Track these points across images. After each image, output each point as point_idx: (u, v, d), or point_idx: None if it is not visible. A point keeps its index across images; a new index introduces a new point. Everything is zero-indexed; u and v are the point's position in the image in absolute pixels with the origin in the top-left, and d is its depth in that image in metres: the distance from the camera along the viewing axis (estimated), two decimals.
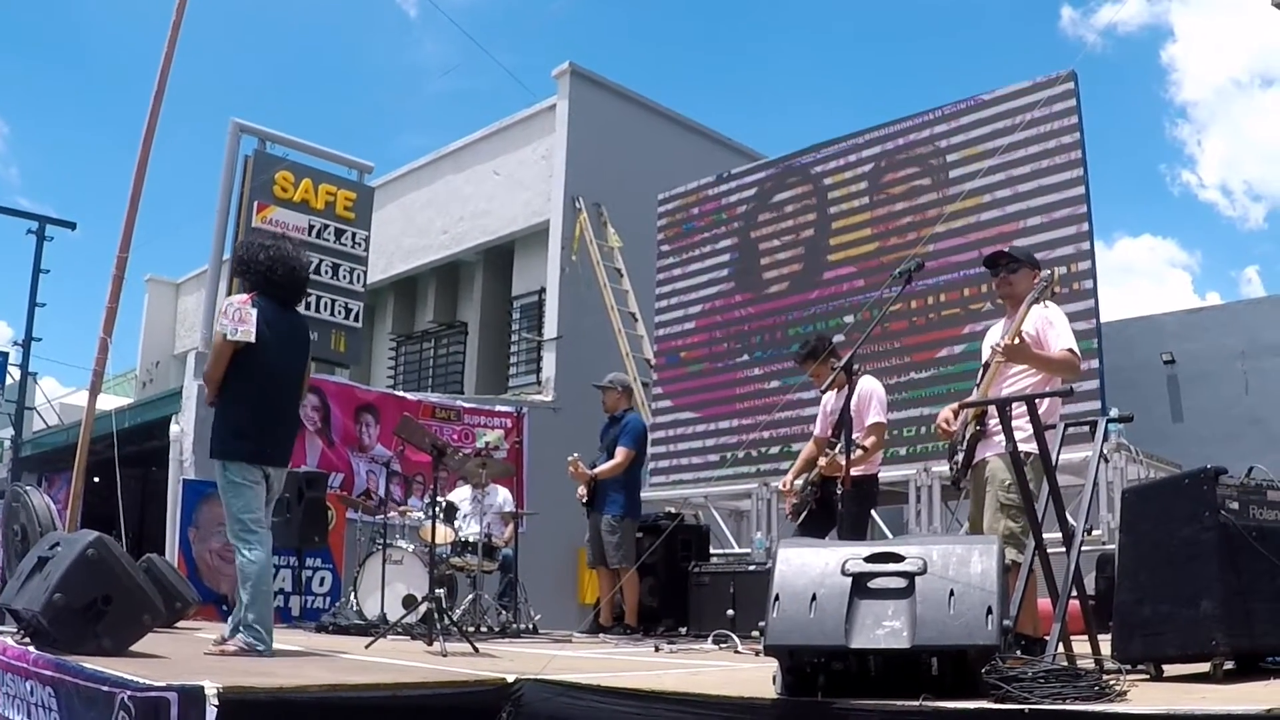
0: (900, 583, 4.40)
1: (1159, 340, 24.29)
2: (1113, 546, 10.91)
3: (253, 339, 7.62)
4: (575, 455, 12.79)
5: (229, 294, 17.92)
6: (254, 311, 7.70)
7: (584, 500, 12.79)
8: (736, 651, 9.38)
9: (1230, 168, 75.70)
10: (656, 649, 9.62)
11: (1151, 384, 23.41)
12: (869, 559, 4.50)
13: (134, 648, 6.32)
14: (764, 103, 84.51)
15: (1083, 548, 5.98)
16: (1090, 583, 11.26)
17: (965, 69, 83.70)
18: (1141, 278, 71.30)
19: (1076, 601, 5.81)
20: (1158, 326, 24.95)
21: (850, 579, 4.44)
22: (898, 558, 4.47)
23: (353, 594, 12.37)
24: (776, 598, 4.49)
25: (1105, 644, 5.64)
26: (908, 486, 14.10)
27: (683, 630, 12.45)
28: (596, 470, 12.55)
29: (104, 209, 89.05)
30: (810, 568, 4.55)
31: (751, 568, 12.70)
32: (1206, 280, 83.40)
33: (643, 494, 14.19)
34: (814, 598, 4.42)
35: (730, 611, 11.96)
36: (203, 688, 4.36)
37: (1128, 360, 21.37)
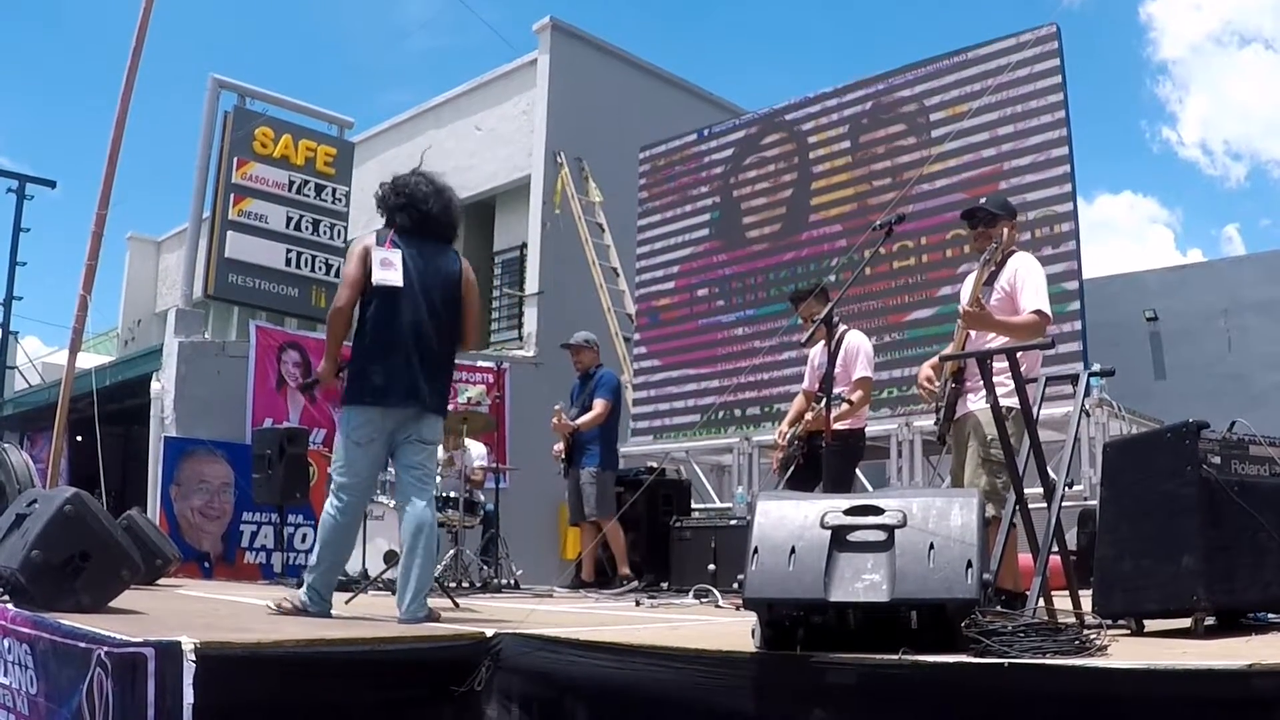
0: (880, 535, 4.37)
1: (1142, 297, 24.42)
2: (1094, 502, 10.91)
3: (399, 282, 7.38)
4: (560, 405, 12.77)
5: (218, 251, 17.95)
6: (398, 253, 7.47)
7: (561, 458, 12.75)
8: (717, 606, 9.40)
9: (1210, 126, 75.91)
10: (637, 603, 9.65)
11: (1134, 341, 23.56)
12: (848, 512, 4.46)
13: (113, 604, 6.29)
14: (745, 58, 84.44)
15: (1064, 503, 5.98)
16: (1071, 538, 11.28)
17: (947, 23, 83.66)
18: (1122, 235, 71.54)
19: (1057, 557, 5.80)
20: (1140, 284, 25.10)
21: (829, 532, 4.40)
22: (877, 510, 4.44)
23: None
24: (755, 551, 4.47)
25: (1086, 599, 5.63)
26: (889, 441, 14.15)
27: (664, 585, 12.44)
28: (577, 421, 12.51)
29: (84, 167, 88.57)
30: (789, 521, 4.52)
31: (733, 522, 12.70)
32: (1188, 238, 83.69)
33: (624, 449, 14.24)
34: (793, 551, 4.39)
35: (711, 566, 11.96)
36: (179, 643, 4.33)
37: (1110, 317, 21.45)
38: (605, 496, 12.35)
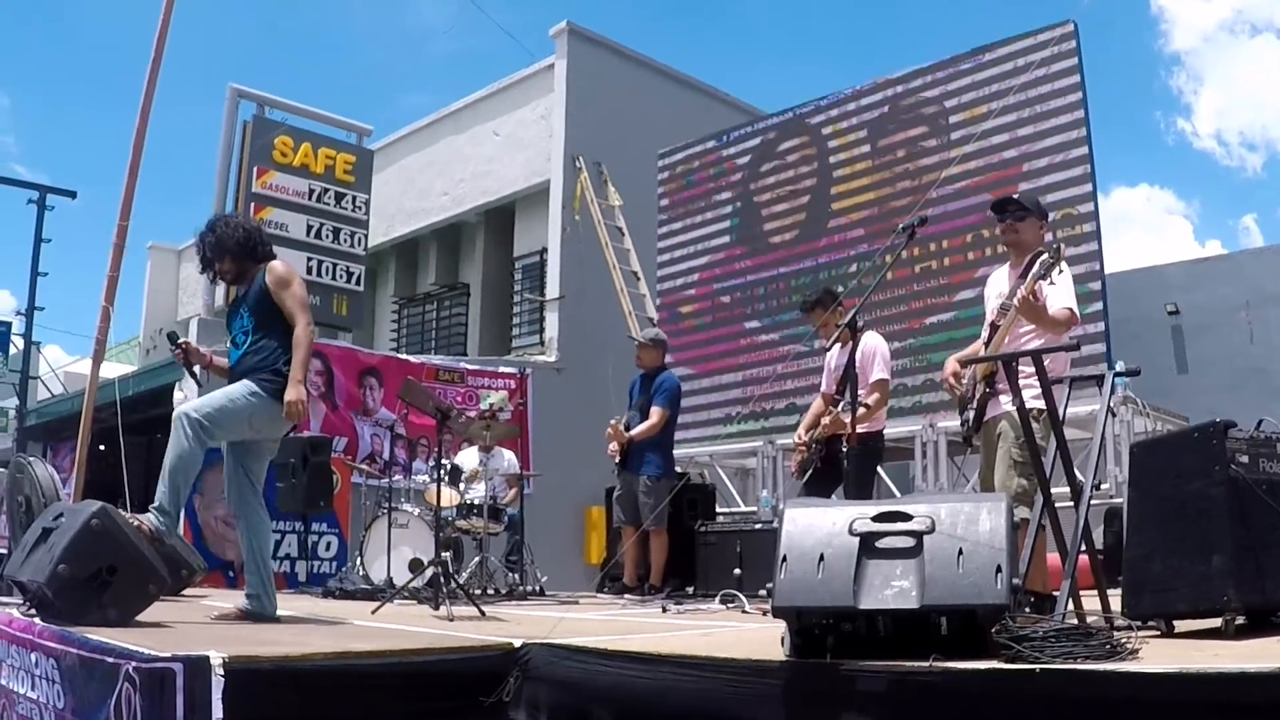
0: (908, 542, 4.35)
1: (1163, 291, 24.30)
2: (1120, 501, 10.89)
3: None
4: (615, 419, 12.67)
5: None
6: None
7: (616, 459, 12.69)
8: (744, 611, 9.35)
9: (1224, 116, 75.76)
10: (664, 609, 9.59)
11: (1155, 335, 23.45)
12: (876, 518, 4.45)
13: (140, 616, 6.29)
14: (761, 59, 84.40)
15: (1091, 502, 5.94)
16: (1098, 537, 11.26)
17: (964, 22, 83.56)
18: (1139, 227, 71.44)
19: (1084, 556, 5.78)
20: (1161, 277, 24.97)
21: (858, 539, 4.39)
22: (906, 516, 4.42)
23: (359, 558, 12.35)
24: (784, 559, 4.45)
25: (1114, 599, 5.60)
26: (913, 442, 14.12)
27: (689, 590, 12.41)
28: (633, 432, 12.46)
29: (102, 176, 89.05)
30: (817, 528, 4.50)
31: (758, 526, 12.71)
32: (1206, 229, 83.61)
33: None
34: (821, 558, 4.38)
35: (737, 571, 11.94)
36: (208, 658, 4.33)
37: (1132, 311, 21.34)
38: (661, 505, 12.28)
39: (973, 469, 13.80)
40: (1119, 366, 7.27)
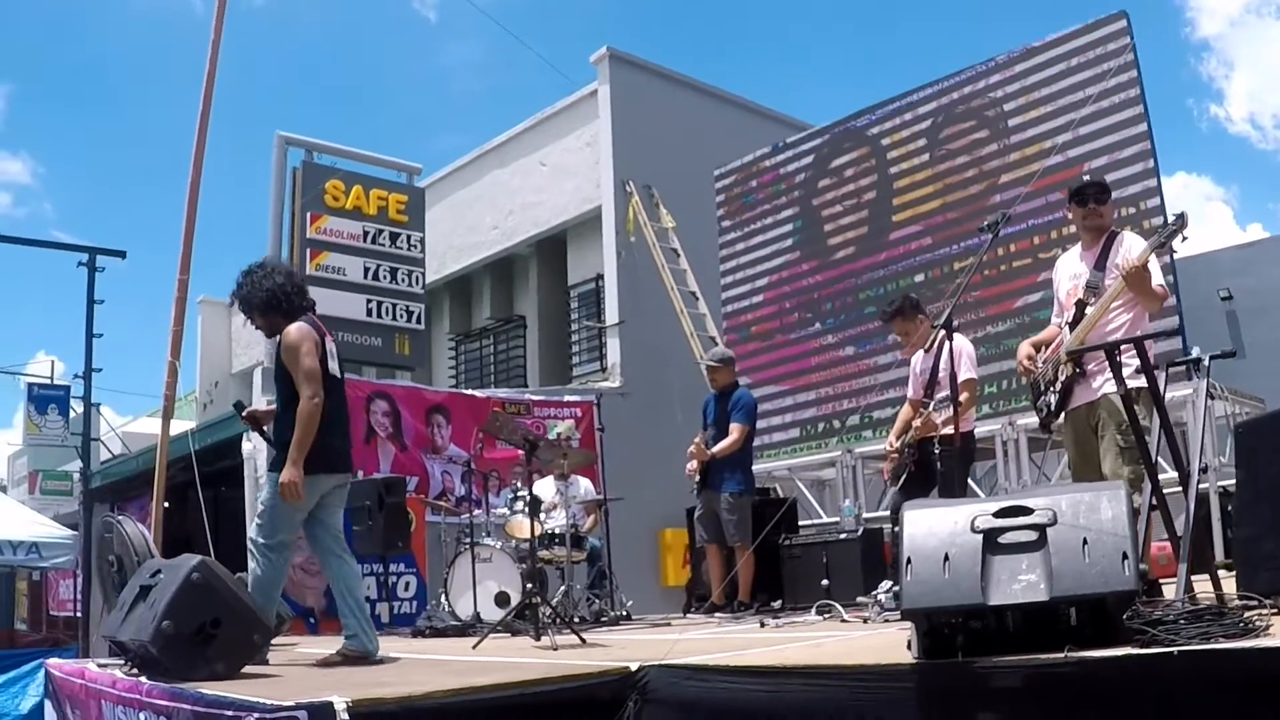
0: (1031, 535, 4.31)
1: (1215, 277, 24.32)
2: (1205, 485, 10.84)
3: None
4: (698, 438, 12.67)
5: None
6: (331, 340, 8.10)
7: (695, 479, 12.66)
8: (843, 620, 9.28)
9: (1257, 99, 75.52)
10: (762, 624, 9.52)
11: (1211, 321, 23.32)
12: (997, 514, 4.40)
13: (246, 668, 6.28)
14: (808, 72, 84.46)
15: (1199, 485, 5.88)
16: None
17: (1012, 18, 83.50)
18: None
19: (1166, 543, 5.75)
20: (1213, 263, 24.97)
21: (981, 536, 4.35)
22: (1026, 510, 4.37)
23: (443, 595, 12.33)
24: (909, 561, 4.41)
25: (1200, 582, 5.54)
26: (994, 442, 14.04)
27: (777, 604, 12.36)
28: (714, 449, 12.44)
29: (138, 236, 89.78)
30: (938, 528, 4.46)
31: (842, 536, 12.65)
32: (1246, 213, 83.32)
33: None
34: (946, 558, 4.33)
35: (825, 581, 11.87)
36: (331, 703, 4.31)
37: (1188, 298, 21.17)
38: (744, 522, 12.23)
39: (1052, 466, 13.75)
40: (1195, 351, 7.16)
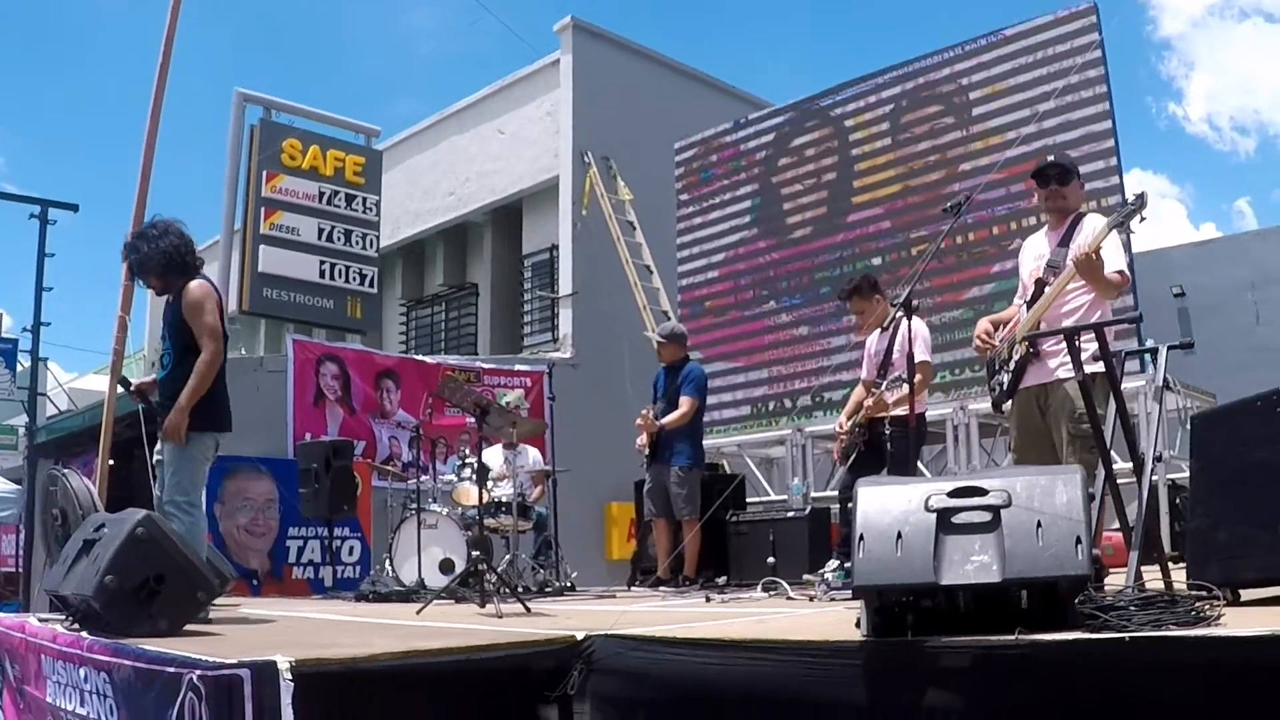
0: (985, 516, 4.31)
1: (1168, 273, 24.52)
2: (1155, 476, 10.89)
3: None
4: (646, 410, 12.69)
5: (251, 265, 18.00)
6: None
7: (644, 451, 12.66)
8: (789, 598, 9.27)
9: (1215, 100, 76.22)
10: (708, 599, 9.54)
11: (1162, 317, 23.46)
12: (952, 494, 4.40)
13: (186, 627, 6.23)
14: (774, 53, 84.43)
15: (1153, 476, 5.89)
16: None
17: (982, 5, 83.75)
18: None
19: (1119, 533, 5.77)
20: (1166, 260, 25.19)
21: (935, 515, 4.34)
22: (981, 491, 4.37)
23: (388, 560, 12.28)
24: (861, 538, 4.39)
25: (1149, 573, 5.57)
26: (944, 425, 14.10)
27: (722, 580, 12.36)
28: (663, 421, 12.44)
29: (93, 192, 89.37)
30: (892, 506, 4.44)
31: (790, 514, 12.68)
32: (1200, 213, 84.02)
33: None
34: (899, 536, 4.33)
35: (771, 559, 11.91)
36: (275, 662, 4.27)
37: (1140, 293, 21.38)
38: (693, 496, 12.26)
39: (1001, 452, 13.80)
40: (1149, 343, 7.15)
